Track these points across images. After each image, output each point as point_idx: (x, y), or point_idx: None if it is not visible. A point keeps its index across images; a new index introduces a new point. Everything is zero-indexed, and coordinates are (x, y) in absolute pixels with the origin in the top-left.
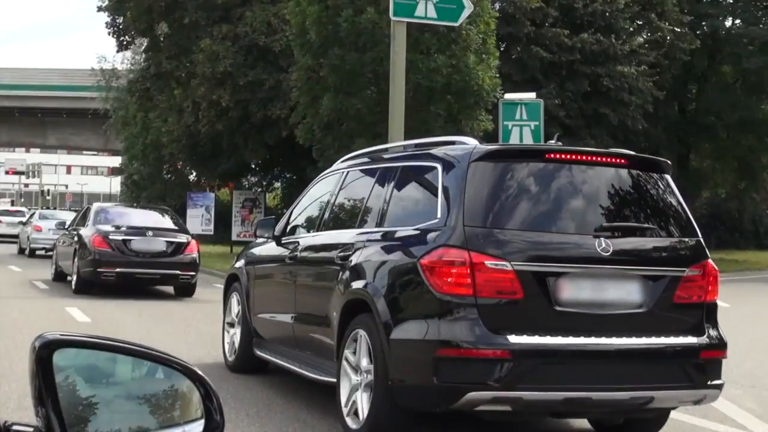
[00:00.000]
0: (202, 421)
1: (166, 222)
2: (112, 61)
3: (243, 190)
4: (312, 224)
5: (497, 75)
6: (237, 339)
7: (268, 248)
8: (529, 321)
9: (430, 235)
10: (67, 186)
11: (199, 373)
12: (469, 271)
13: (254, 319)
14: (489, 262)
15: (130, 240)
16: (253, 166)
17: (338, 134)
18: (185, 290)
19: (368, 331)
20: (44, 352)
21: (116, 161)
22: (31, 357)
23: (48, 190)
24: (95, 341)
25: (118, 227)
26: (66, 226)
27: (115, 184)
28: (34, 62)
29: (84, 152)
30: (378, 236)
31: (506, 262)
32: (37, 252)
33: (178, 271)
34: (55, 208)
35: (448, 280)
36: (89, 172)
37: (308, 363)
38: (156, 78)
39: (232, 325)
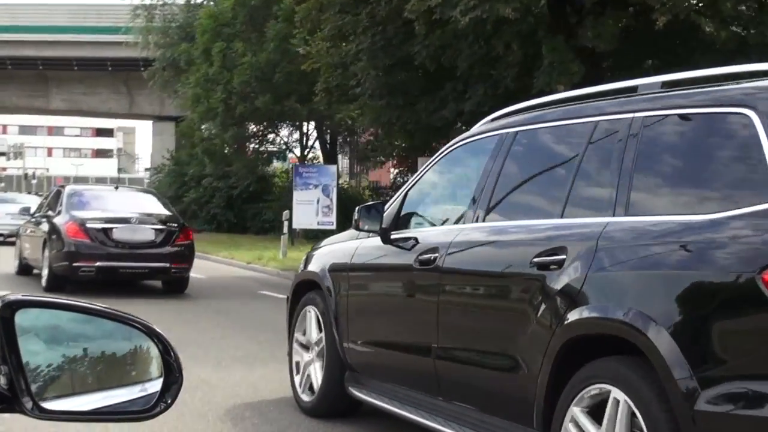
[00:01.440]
0: (162, 378)
1: (153, 206)
2: None
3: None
4: (452, 213)
5: None
6: (317, 371)
7: (369, 246)
8: None
9: None
10: (48, 169)
11: (158, 330)
12: None
13: (349, 346)
14: None
15: (111, 228)
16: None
17: None
18: (177, 285)
19: (631, 392)
20: (6, 312)
21: (102, 143)
22: None
23: (33, 173)
24: (57, 301)
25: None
26: (32, 212)
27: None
28: None
29: (66, 131)
30: (625, 230)
31: None
32: None
33: (168, 264)
34: (38, 194)
35: None
36: (72, 155)
37: (472, 423)
38: None
39: (308, 351)
